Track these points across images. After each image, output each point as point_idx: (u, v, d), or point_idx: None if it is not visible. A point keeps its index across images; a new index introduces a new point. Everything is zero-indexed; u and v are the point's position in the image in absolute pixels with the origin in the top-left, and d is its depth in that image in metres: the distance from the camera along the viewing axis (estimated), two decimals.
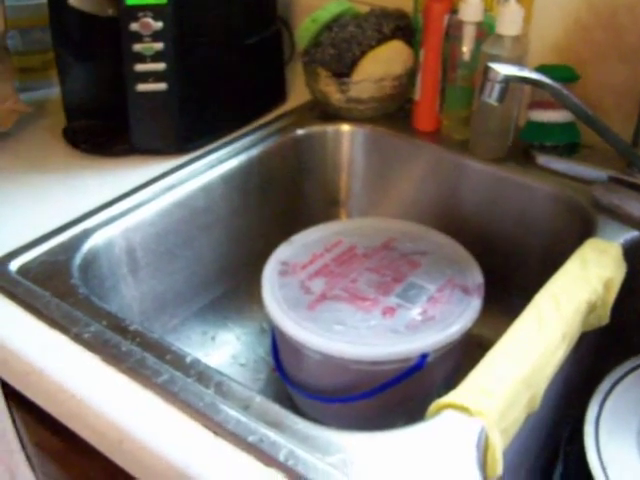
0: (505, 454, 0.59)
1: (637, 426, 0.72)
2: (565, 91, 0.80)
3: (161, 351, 0.65)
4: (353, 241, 0.93)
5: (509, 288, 0.96)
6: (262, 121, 1.05)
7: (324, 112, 1.07)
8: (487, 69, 0.77)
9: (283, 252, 0.90)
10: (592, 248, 0.78)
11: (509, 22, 0.88)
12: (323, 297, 0.83)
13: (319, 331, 0.78)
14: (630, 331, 0.83)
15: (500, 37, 0.89)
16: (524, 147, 0.96)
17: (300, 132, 1.04)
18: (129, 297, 0.87)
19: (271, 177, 1.02)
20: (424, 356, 0.78)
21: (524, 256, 0.97)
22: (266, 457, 0.55)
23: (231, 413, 0.59)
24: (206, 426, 0.58)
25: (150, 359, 0.64)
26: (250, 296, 1.01)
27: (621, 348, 0.80)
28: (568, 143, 0.96)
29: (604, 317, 0.77)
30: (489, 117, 0.93)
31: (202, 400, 0.60)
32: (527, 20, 0.94)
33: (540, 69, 0.90)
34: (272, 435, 0.57)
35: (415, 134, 1.03)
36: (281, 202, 1.06)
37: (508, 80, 0.77)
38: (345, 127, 1.06)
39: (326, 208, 1.11)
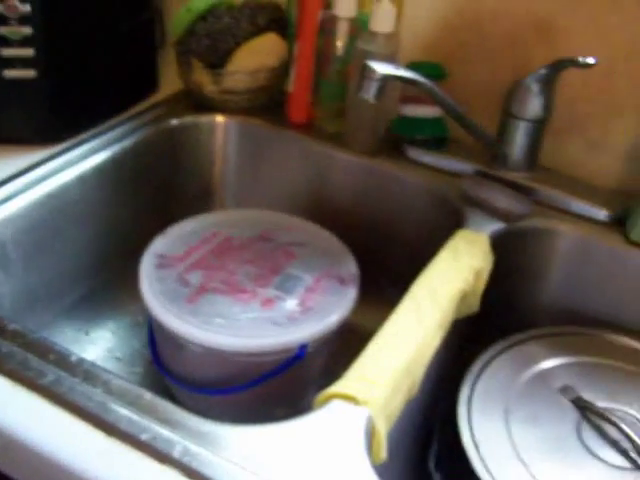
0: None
1: (505, 406, 0.76)
2: (438, 90, 0.83)
3: (44, 351, 0.63)
4: (229, 233, 0.93)
5: (382, 277, 0.99)
6: (135, 111, 1.03)
7: (197, 102, 1.06)
8: (365, 67, 0.80)
9: (159, 245, 0.89)
10: (462, 239, 0.82)
11: (382, 19, 0.91)
12: (202, 290, 0.83)
13: (200, 324, 0.78)
14: (496, 316, 0.88)
15: (373, 34, 0.91)
16: (395, 140, 0.99)
17: (174, 122, 1.03)
18: (1, 293, 0.83)
19: (145, 168, 1.00)
20: (303, 347, 0.80)
21: (396, 246, 1.00)
22: (161, 455, 0.55)
23: (122, 412, 0.58)
24: (97, 426, 0.57)
25: (33, 360, 0.62)
26: (123, 289, 0.98)
27: (488, 332, 0.85)
28: (437, 137, 0.99)
29: (475, 305, 0.81)
30: (362, 111, 0.96)
31: (91, 400, 0.59)
32: (398, 18, 0.97)
33: (412, 66, 0.94)
34: (165, 432, 0.57)
35: (288, 126, 1.04)
36: (155, 194, 1.04)
37: (385, 79, 0.79)
38: (219, 118, 1.05)
39: (201, 200, 1.10)
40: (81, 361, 0.63)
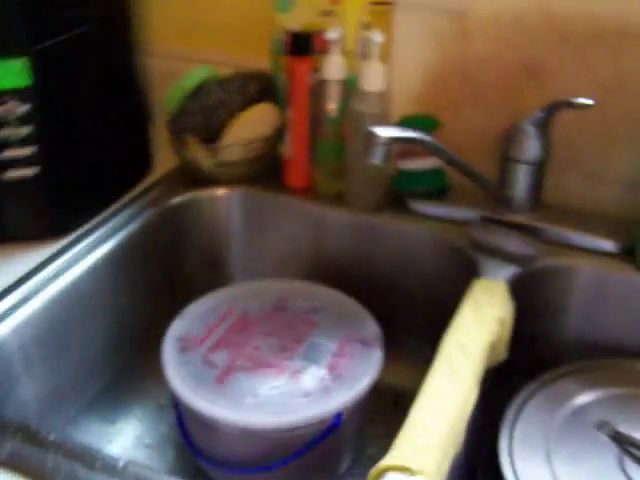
0: None
1: (546, 448, 0.76)
2: (440, 145, 0.84)
3: (89, 459, 0.62)
4: (245, 307, 0.93)
5: (403, 333, 0.99)
6: (134, 193, 1.02)
7: (193, 177, 1.06)
8: (369, 134, 0.80)
9: (178, 327, 0.89)
10: (481, 289, 0.83)
11: (371, 79, 0.92)
12: (229, 369, 0.83)
13: (232, 405, 0.78)
14: (523, 357, 0.88)
15: (364, 93, 0.93)
16: (397, 196, 1.00)
17: (175, 201, 1.02)
18: (25, 396, 0.82)
19: (153, 250, 1.00)
20: (339, 415, 0.79)
21: (413, 301, 1.00)
22: None
23: None
24: None
25: (80, 470, 0.61)
26: (143, 374, 0.98)
27: (518, 373, 0.85)
28: (437, 188, 1.00)
29: (503, 353, 0.81)
30: (363, 171, 0.96)
31: None
32: (387, 73, 0.98)
33: (405, 120, 0.95)
34: None
35: (289, 191, 1.04)
36: (166, 274, 1.04)
37: (390, 142, 0.80)
38: (219, 191, 1.05)
39: (211, 275, 1.09)
40: (129, 465, 0.62)
